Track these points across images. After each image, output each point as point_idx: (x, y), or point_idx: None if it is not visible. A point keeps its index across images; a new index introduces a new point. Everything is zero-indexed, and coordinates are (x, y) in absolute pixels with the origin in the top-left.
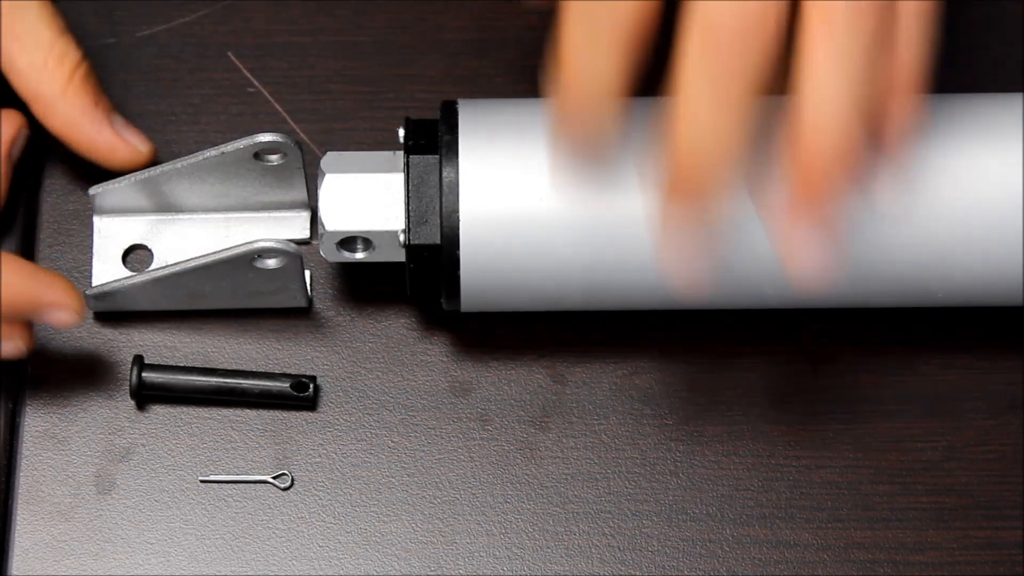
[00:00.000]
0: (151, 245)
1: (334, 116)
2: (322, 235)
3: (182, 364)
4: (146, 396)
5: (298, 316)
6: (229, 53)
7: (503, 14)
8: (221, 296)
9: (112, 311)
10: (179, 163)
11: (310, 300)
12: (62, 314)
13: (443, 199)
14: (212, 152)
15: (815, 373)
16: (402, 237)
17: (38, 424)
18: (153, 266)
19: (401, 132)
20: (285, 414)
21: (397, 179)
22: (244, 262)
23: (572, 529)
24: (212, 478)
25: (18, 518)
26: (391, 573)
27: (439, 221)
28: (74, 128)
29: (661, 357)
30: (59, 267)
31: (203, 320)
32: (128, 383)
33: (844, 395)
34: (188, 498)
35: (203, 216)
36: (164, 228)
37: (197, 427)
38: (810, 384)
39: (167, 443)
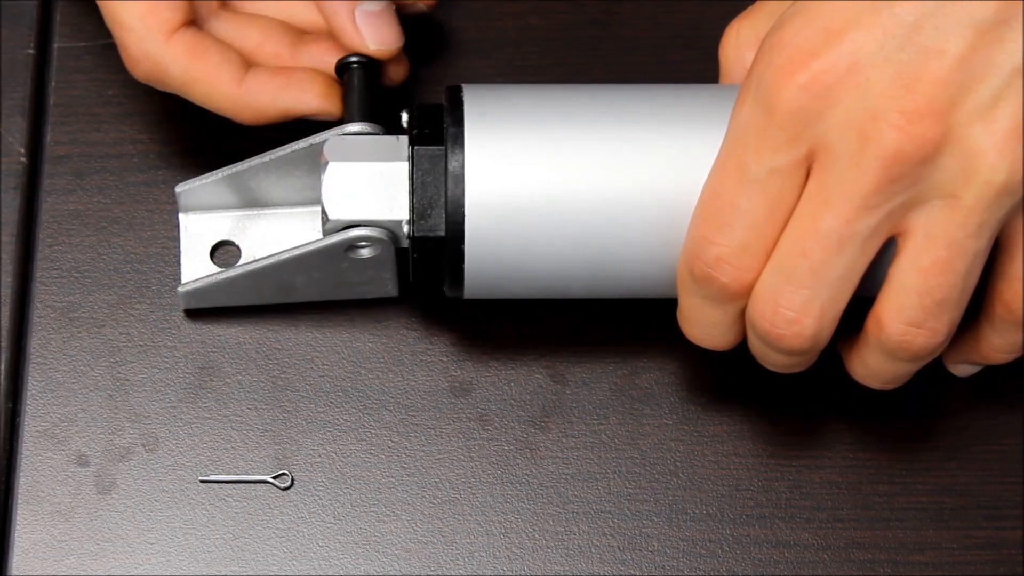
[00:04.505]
0: (238, 241)
1: None
2: (325, 223)
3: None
4: None
5: (297, 316)
6: None
7: (503, 14)
8: (312, 288)
9: (201, 308)
10: (266, 157)
11: (400, 290)
12: None
13: (448, 191)
14: (299, 145)
15: (815, 373)
16: (406, 228)
17: (38, 424)
18: (241, 262)
19: (405, 116)
20: (285, 414)
21: (401, 168)
22: (338, 252)
23: (572, 529)
24: (212, 478)
25: (18, 518)
26: (391, 573)
27: (444, 213)
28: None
29: (661, 357)
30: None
31: (206, 318)
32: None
33: (844, 395)
34: (188, 498)
35: (289, 210)
36: (250, 223)
37: (197, 427)
38: (810, 384)
39: (167, 443)
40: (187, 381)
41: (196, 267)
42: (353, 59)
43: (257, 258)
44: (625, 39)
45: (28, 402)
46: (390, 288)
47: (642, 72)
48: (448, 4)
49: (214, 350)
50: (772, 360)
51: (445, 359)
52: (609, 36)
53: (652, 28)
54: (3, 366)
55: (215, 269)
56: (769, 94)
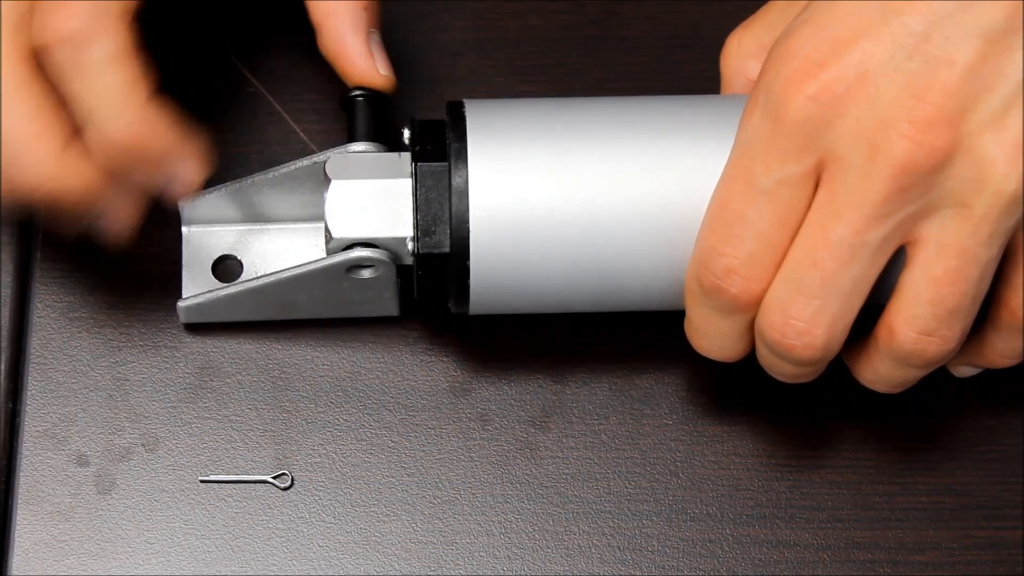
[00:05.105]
0: (240, 255)
1: (334, 116)
2: (329, 242)
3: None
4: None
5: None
6: (229, 53)
7: (503, 14)
8: (313, 306)
9: (202, 322)
10: (270, 173)
11: (401, 309)
12: (190, 170)
13: (452, 208)
14: (303, 162)
15: None
16: (411, 245)
17: (38, 424)
18: (242, 277)
19: (406, 133)
20: (285, 414)
21: (405, 184)
22: (339, 272)
23: (572, 529)
24: (212, 478)
25: (18, 518)
26: (391, 573)
27: (448, 230)
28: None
29: (661, 357)
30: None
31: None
32: None
33: (844, 395)
34: (188, 498)
35: (292, 226)
36: (253, 238)
37: (197, 427)
38: (811, 384)
39: (167, 443)
40: (187, 381)
41: (198, 281)
42: (358, 93)
43: (258, 275)
44: (625, 39)
45: (28, 402)
46: (391, 308)
47: (642, 72)
48: (448, 4)
49: (214, 350)
50: (781, 370)
51: (445, 359)
52: (609, 36)
53: (652, 28)
54: (3, 366)
55: (216, 284)
56: (778, 104)
